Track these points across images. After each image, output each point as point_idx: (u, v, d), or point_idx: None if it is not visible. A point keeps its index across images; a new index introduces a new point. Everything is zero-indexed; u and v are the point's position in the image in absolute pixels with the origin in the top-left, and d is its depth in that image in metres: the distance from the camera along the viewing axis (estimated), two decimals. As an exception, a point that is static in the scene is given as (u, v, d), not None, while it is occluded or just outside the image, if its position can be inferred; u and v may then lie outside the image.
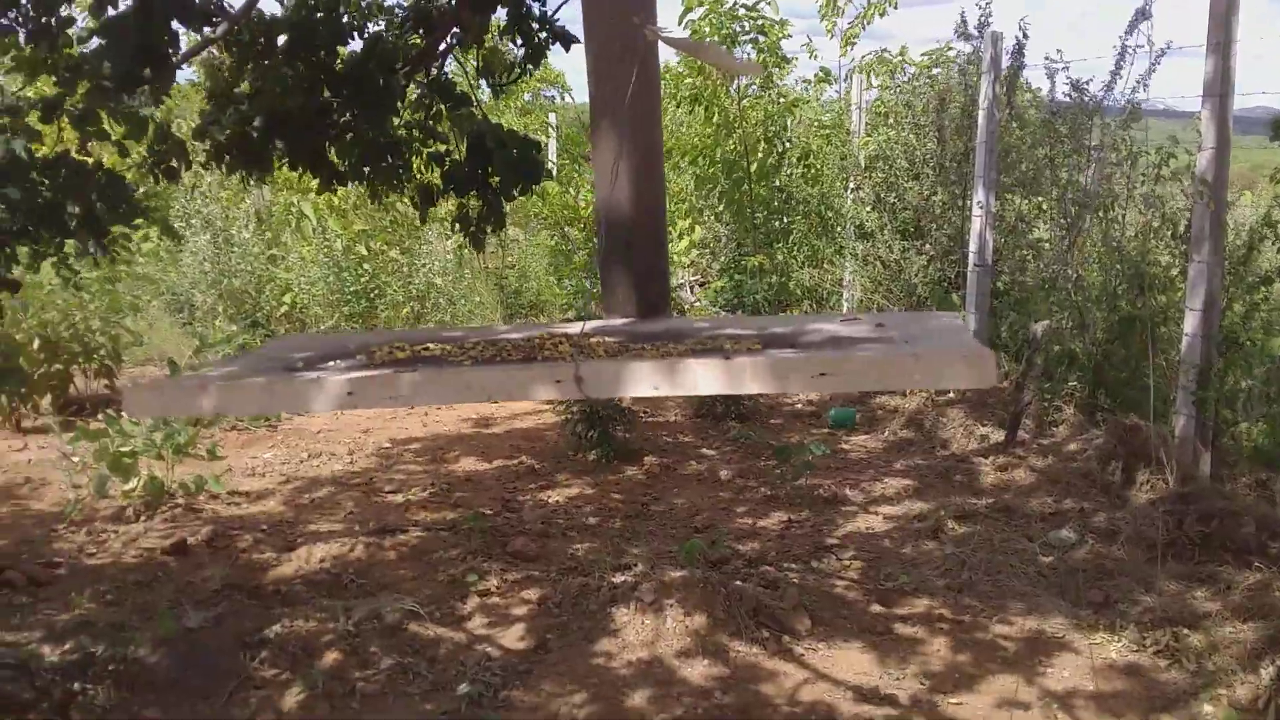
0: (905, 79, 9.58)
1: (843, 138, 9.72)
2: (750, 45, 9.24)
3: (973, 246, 6.89)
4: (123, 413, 5.47)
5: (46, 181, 3.48)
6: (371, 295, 9.77)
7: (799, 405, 7.63)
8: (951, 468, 5.97)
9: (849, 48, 11.16)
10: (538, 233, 10.76)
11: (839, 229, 9.25)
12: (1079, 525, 4.95)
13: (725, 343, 2.67)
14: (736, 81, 9.06)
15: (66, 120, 3.63)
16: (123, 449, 5.31)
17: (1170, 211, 5.66)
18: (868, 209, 8.10)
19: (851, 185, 8.68)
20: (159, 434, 5.51)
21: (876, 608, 4.22)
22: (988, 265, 6.82)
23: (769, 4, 9.32)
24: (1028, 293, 6.81)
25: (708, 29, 9.09)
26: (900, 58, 11.17)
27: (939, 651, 3.85)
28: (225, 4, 3.85)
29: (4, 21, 3.53)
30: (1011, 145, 6.89)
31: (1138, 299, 5.73)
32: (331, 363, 2.69)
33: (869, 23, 10.92)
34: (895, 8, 10.85)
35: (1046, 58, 6.43)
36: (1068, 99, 6.32)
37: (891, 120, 8.38)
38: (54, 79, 3.63)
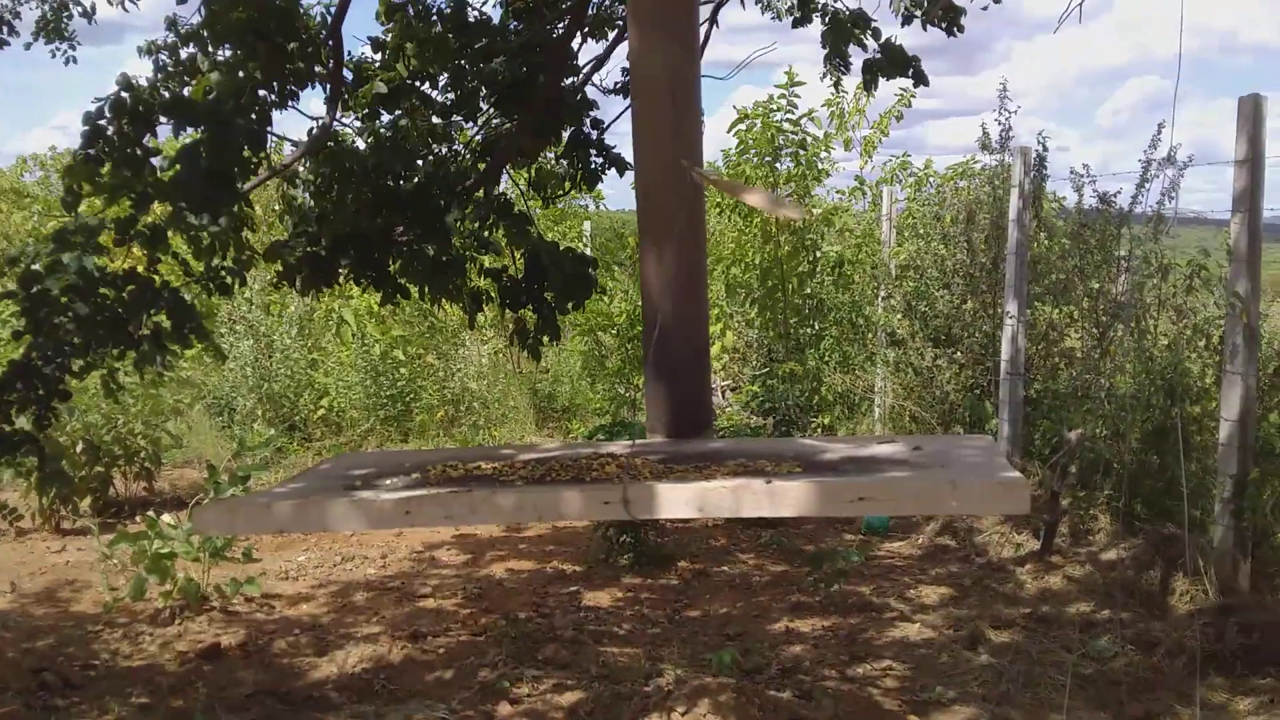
0: (932, 190, 9.75)
1: (874, 247, 9.85)
2: (790, 159, 9.47)
3: (1004, 354, 6.92)
4: (163, 515, 5.55)
5: (111, 296, 3.62)
6: (407, 399, 9.89)
7: (832, 512, 7.58)
8: (987, 575, 5.91)
9: (868, 159, 11.40)
10: (571, 338, 10.89)
11: (870, 336, 9.32)
12: (1117, 636, 4.88)
13: (766, 464, 2.74)
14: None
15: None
16: (161, 551, 5.37)
17: (1202, 321, 5.69)
18: (899, 316, 8.17)
19: (882, 294, 8.77)
20: (196, 537, 5.56)
21: (913, 719, 4.16)
22: (1020, 373, 6.84)
23: (814, 120, 9.59)
24: (1060, 400, 6.80)
25: (751, 141, 9.37)
26: (925, 170, 11.36)
27: (977, 766, 3.80)
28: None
29: (91, 151, 3.74)
30: (1040, 255, 6.97)
31: (1171, 408, 5.72)
32: (389, 480, 2.77)
33: (885, 134, 11.11)
34: (900, 118, 11.02)
35: (1072, 171, 6.55)
36: (1095, 210, 6.42)
37: (921, 230, 8.49)
38: (130, 202, 3.80)
